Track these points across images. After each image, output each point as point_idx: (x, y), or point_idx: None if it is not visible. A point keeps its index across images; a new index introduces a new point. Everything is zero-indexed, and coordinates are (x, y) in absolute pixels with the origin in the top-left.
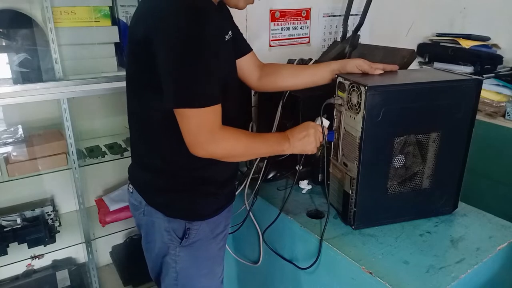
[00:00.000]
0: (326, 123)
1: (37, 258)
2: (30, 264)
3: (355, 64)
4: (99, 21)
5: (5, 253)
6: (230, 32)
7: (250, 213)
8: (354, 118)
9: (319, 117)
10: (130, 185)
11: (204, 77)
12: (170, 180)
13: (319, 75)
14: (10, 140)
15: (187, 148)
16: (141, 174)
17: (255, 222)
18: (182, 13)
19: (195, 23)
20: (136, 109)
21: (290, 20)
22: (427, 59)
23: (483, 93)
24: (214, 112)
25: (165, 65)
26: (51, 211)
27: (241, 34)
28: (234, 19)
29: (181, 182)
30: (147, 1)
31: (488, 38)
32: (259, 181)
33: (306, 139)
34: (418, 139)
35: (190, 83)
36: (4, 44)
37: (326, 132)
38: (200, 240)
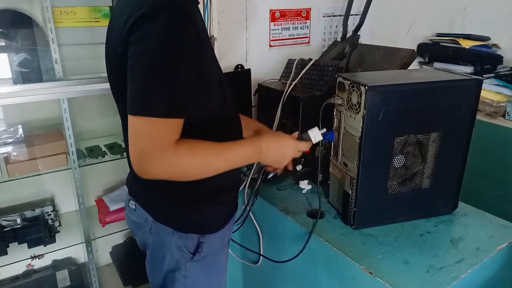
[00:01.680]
0: (318, 137)
1: (37, 258)
2: (30, 264)
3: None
4: (99, 21)
5: (5, 253)
6: None
7: (250, 213)
8: (354, 118)
9: (313, 130)
10: (132, 201)
11: (173, 83)
12: (180, 192)
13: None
14: (10, 140)
15: None
16: (147, 188)
17: (255, 222)
18: (167, 10)
19: (181, 22)
20: None
21: (290, 20)
22: (427, 59)
23: (483, 93)
24: (171, 126)
25: (131, 63)
26: (51, 211)
27: None
28: (234, 18)
29: (192, 193)
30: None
31: (488, 38)
32: (259, 181)
33: (279, 158)
34: (418, 139)
35: (150, 87)
36: (4, 44)
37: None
38: (211, 253)
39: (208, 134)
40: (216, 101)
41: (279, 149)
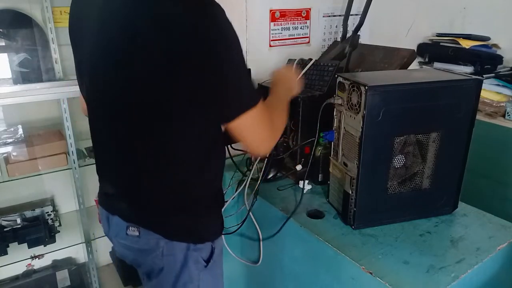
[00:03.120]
0: None
1: (37, 258)
2: (30, 264)
3: None
4: None
5: (5, 253)
6: None
7: (250, 213)
8: (354, 118)
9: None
10: (132, 228)
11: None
12: (190, 204)
13: None
14: (10, 140)
15: (209, 162)
16: (155, 209)
17: (255, 222)
18: (222, 14)
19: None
20: (158, 136)
21: (290, 20)
22: (427, 59)
23: (483, 93)
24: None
25: (226, 76)
26: (51, 211)
27: None
28: (234, 18)
29: (202, 201)
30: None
31: (488, 38)
32: (259, 181)
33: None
34: (418, 139)
35: (248, 84)
36: (4, 44)
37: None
38: (218, 257)
39: None
40: None
41: (284, 79)
